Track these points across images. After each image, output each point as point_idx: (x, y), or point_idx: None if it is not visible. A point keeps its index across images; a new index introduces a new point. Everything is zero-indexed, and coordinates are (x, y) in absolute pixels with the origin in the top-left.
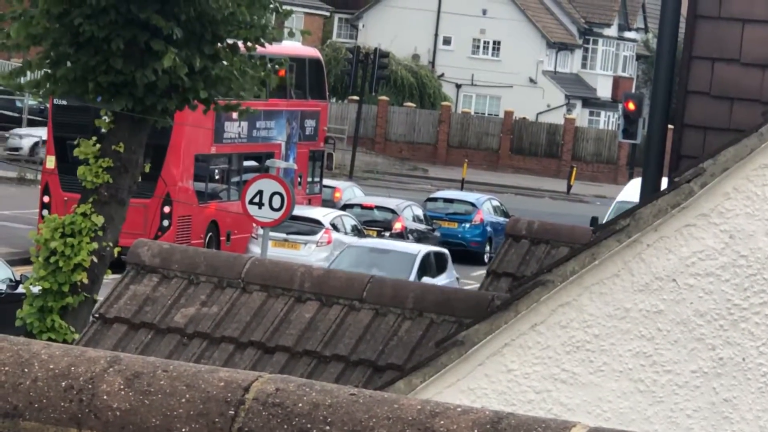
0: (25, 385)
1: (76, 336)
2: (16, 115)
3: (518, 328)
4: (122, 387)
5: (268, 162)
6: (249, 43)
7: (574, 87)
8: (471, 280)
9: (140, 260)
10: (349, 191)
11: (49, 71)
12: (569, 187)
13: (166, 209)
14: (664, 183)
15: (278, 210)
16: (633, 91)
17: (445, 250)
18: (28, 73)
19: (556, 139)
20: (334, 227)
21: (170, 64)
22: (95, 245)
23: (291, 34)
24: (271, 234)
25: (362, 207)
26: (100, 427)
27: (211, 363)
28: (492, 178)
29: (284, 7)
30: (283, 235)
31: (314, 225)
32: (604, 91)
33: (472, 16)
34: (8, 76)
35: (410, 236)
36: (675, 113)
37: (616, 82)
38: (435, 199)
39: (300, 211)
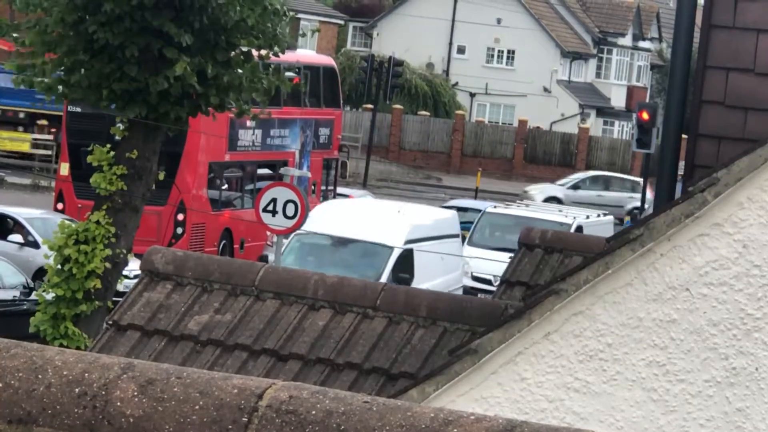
0: (38, 391)
1: (89, 343)
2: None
3: (531, 336)
4: (136, 393)
5: (282, 170)
6: (263, 51)
7: (588, 96)
8: None
9: (154, 267)
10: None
11: (63, 77)
12: None
13: (180, 217)
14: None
15: (292, 218)
16: (647, 100)
17: None
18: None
19: (570, 149)
20: None
21: (182, 72)
22: (109, 252)
23: (302, 35)
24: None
25: None
26: None
27: (225, 370)
28: (506, 186)
29: (299, 15)
30: None
31: None
32: (618, 100)
33: (487, 25)
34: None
35: None
36: (689, 123)
37: (630, 91)
38: (449, 208)
39: None
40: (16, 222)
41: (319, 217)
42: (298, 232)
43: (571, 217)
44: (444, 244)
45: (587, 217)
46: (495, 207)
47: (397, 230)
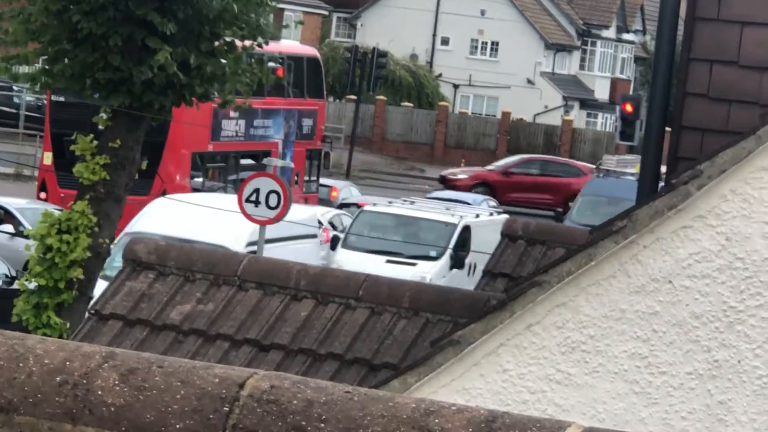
0: (19, 379)
1: (71, 332)
2: (13, 111)
3: (514, 328)
4: (117, 382)
5: (265, 160)
6: (246, 41)
7: (572, 88)
8: None
9: (136, 257)
10: (346, 190)
11: (47, 66)
12: None
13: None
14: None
15: (275, 208)
16: (631, 92)
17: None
18: (25, 65)
19: (554, 141)
20: (332, 226)
21: (163, 61)
22: (91, 242)
23: (286, 26)
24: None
25: (359, 206)
26: (95, 423)
27: (207, 360)
28: None
29: (282, 5)
30: None
31: None
32: (602, 92)
33: (471, 17)
34: (3, 64)
35: None
36: (673, 115)
37: (614, 83)
38: (431, 200)
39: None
40: (7, 212)
41: (155, 215)
42: (127, 231)
43: (457, 216)
44: (298, 245)
45: (477, 216)
46: (375, 205)
47: (238, 231)
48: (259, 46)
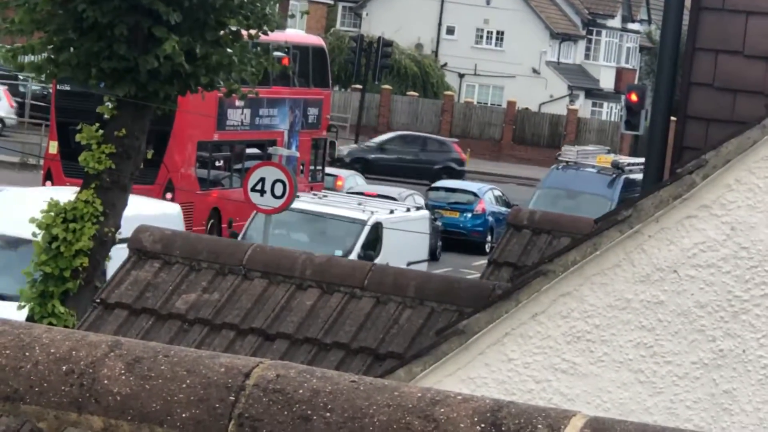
0: (26, 368)
1: (77, 321)
2: (19, 100)
3: (519, 317)
4: (123, 372)
5: (270, 149)
6: (252, 30)
7: (577, 78)
8: (472, 269)
9: (142, 246)
10: (351, 180)
11: (52, 55)
12: None
13: (168, 196)
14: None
15: (280, 198)
16: (636, 82)
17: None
18: (30, 55)
19: (559, 130)
20: None
21: (170, 51)
22: (97, 231)
23: (291, 16)
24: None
25: (364, 196)
26: (101, 412)
27: (212, 349)
28: (494, 168)
29: None
30: None
31: None
32: (607, 82)
33: (476, 6)
34: (9, 53)
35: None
36: (678, 105)
37: (619, 73)
38: (437, 189)
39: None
40: None
41: None
42: None
43: (368, 212)
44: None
45: (392, 212)
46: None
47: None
48: (265, 34)
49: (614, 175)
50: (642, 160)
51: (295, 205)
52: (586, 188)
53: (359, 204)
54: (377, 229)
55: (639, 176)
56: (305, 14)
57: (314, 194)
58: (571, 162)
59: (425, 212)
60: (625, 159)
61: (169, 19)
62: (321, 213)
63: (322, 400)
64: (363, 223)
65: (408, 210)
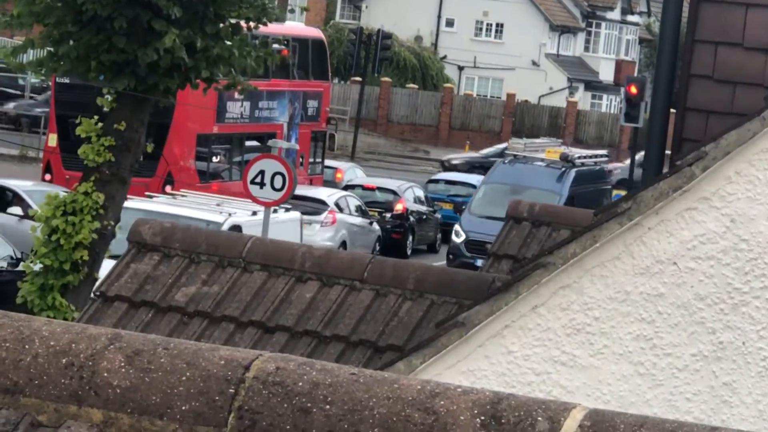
0: (25, 361)
1: (76, 314)
2: (18, 92)
3: (519, 309)
4: (123, 364)
5: (270, 142)
6: (251, 23)
7: (577, 70)
8: None
9: (141, 239)
10: (351, 172)
11: (52, 50)
12: None
13: (168, 188)
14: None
15: (280, 190)
16: (635, 74)
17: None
18: (30, 51)
19: (558, 122)
20: (339, 207)
21: (170, 44)
22: (96, 224)
23: (291, 11)
24: None
25: (364, 188)
26: (100, 404)
27: (212, 342)
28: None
29: None
30: None
31: (319, 205)
32: (607, 74)
33: None
34: (10, 53)
35: (411, 217)
36: (677, 97)
37: (619, 65)
38: (436, 181)
39: (305, 191)
40: (16, 194)
41: None
42: None
43: (225, 214)
44: None
45: (254, 213)
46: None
47: None
48: (264, 25)
49: (564, 169)
50: (593, 152)
51: (148, 206)
52: (533, 183)
53: (218, 205)
54: (236, 231)
55: (591, 169)
56: (305, 10)
57: (171, 195)
58: (519, 155)
59: (296, 214)
60: (575, 151)
61: (169, 13)
62: (174, 215)
63: (322, 392)
64: (218, 225)
65: (275, 210)
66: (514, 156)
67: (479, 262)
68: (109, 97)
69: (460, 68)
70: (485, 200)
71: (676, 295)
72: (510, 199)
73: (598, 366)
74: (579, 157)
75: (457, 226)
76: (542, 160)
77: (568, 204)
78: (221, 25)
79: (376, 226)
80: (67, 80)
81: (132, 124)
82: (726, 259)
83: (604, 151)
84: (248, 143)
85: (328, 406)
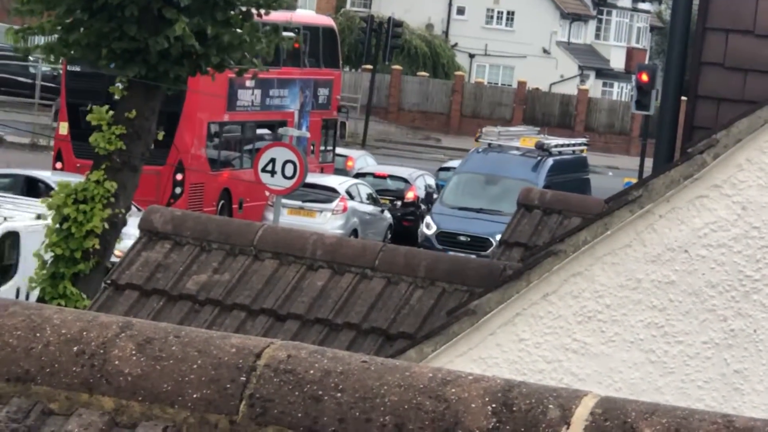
0: (37, 349)
1: (87, 303)
2: (29, 81)
3: (530, 297)
4: (134, 352)
5: (281, 130)
6: (262, 10)
7: (588, 58)
8: None
9: (152, 227)
10: (362, 160)
11: (63, 36)
12: None
13: (179, 176)
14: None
15: (291, 178)
16: (646, 62)
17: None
18: (41, 37)
19: (569, 110)
20: (350, 195)
21: (181, 32)
22: (108, 212)
23: None
24: (287, 201)
25: (375, 176)
26: (112, 392)
27: (223, 330)
28: None
29: None
30: (299, 203)
31: (330, 193)
32: (618, 62)
33: None
34: (17, 33)
35: (422, 205)
36: (688, 85)
37: (630, 53)
38: (447, 169)
39: (316, 179)
40: (48, 186)
41: None
42: None
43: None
44: None
45: (38, 217)
46: None
47: None
48: (275, 9)
49: (540, 158)
50: (571, 141)
51: None
52: (507, 173)
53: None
54: (10, 238)
55: (568, 158)
56: None
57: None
58: (494, 144)
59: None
60: (552, 140)
61: (179, 0)
62: None
63: (333, 380)
64: None
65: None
66: (489, 145)
67: None
68: (120, 85)
69: (471, 56)
70: (458, 191)
71: (688, 283)
72: (483, 189)
73: (609, 354)
74: (556, 146)
75: (428, 218)
76: (518, 148)
77: None
78: (231, 12)
79: (387, 213)
80: (77, 68)
81: (143, 112)
82: (737, 247)
83: (583, 139)
84: (259, 131)
85: (339, 394)
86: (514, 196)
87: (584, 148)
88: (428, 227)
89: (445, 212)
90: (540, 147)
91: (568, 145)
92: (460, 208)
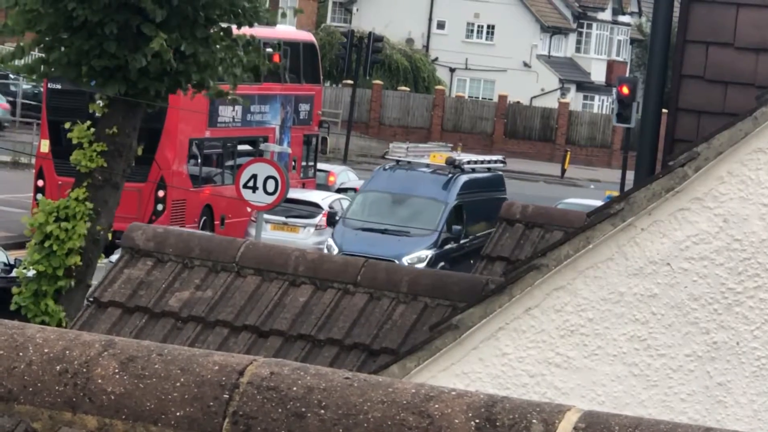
0: (19, 368)
1: (70, 320)
2: (10, 99)
3: (512, 311)
4: (117, 371)
5: (262, 146)
6: (242, 27)
7: (568, 71)
8: None
9: (134, 244)
10: (344, 175)
11: (43, 55)
12: (563, 171)
13: (161, 193)
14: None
15: (272, 194)
16: (627, 75)
17: None
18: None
19: (550, 123)
20: (332, 210)
21: (158, 48)
22: (89, 229)
23: (283, 15)
24: (270, 217)
25: (356, 191)
26: (95, 411)
27: (206, 347)
28: None
29: None
30: (282, 219)
31: (313, 208)
32: (599, 75)
33: (467, 0)
34: (4, 59)
35: None
36: (669, 97)
37: (610, 66)
38: None
39: (299, 194)
40: None
41: None
42: None
43: None
44: None
45: None
46: None
47: None
48: (251, 25)
49: (451, 175)
50: (486, 158)
51: None
52: (415, 191)
53: None
54: None
55: (482, 176)
56: (299, 12)
57: None
58: (402, 161)
59: None
60: (464, 156)
61: (154, 16)
62: None
63: (316, 397)
64: None
65: None
66: (397, 161)
67: None
68: (101, 103)
69: (452, 70)
70: (362, 210)
71: (670, 296)
72: (389, 209)
73: (592, 367)
74: (468, 162)
75: (329, 240)
76: (428, 165)
77: (455, 214)
78: (211, 30)
79: None
80: (58, 86)
81: (124, 129)
82: (719, 259)
83: (499, 156)
84: (241, 147)
85: (322, 411)
86: (423, 216)
87: (501, 165)
88: (329, 249)
89: (347, 234)
90: (451, 163)
91: (483, 162)
92: (364, 230)
